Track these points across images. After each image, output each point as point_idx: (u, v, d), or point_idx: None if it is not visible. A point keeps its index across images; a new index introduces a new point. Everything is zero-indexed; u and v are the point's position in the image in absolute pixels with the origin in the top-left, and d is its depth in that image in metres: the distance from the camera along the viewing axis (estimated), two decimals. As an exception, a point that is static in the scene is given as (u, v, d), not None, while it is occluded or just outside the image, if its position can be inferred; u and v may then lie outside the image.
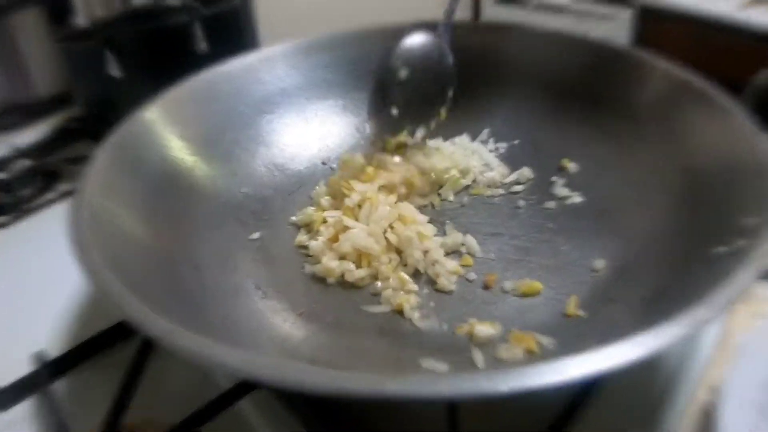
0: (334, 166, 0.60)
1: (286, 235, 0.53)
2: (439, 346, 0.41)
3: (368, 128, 0.58)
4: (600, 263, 0.45)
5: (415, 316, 0.43)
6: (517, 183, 0.56)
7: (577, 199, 0.53)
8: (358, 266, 0.47)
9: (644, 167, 0.49)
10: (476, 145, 0.60)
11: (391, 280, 0.46)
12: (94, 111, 0.77)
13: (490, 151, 0.60)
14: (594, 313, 0.41)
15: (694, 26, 1.43)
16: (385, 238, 0.48)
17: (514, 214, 0.53)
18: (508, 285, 0.45)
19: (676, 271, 0.39)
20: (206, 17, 0.68)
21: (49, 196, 0.73)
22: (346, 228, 0.48)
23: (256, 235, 0.51)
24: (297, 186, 0.58)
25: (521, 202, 0.54)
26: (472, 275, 0.47)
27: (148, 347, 0.41)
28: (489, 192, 0.56)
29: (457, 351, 0.40)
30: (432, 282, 0.46)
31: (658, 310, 0.34)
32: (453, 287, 0.46)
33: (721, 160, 0.42)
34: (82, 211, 0.37)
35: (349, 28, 0.63)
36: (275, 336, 0.41)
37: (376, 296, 0.46)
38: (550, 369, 0.23)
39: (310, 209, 0.53)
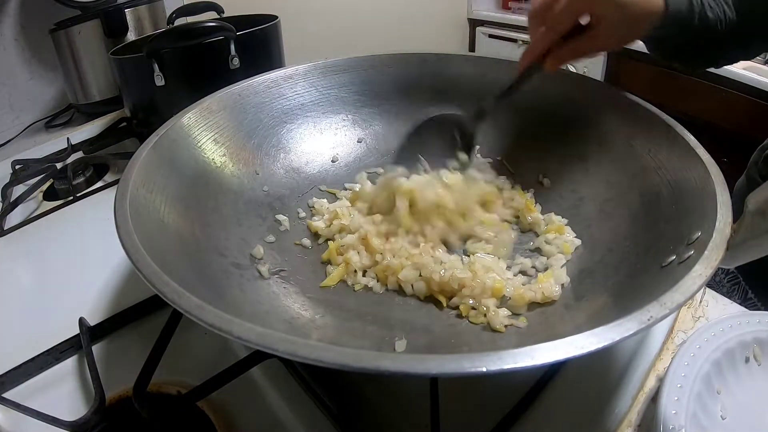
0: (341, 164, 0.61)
1: (298, 229, 0.52)
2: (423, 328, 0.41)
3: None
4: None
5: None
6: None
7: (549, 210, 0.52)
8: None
9: (609, 184, 0.49)
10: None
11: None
12: (139, 114, 0.77)
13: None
14: (563, 307, 0.41)
15: (658, 66, 1.44)
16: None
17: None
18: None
19: (633, 276, 0.38)
20: (239, 37, 0.68)
21: (98, 184, 0.73)
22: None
23: (273, 228, 0.51)
24: (309, 187, 0.57)
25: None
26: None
27: (175, 319, 0.40)
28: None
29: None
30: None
31: (617, 308, 0.34)
32: None
33: (672, 182, 0.42)
34: (126, 200, 0.36)
35: (360, 54, 0.63)
36: (286, 315, 0.41)
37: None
38: (522, 353, 0.23)
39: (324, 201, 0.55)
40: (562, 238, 0.48)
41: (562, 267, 0.45)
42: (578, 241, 0.47)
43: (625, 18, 0.44)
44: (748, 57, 0.54)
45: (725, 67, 1.29)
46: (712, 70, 1.31)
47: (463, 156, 0.53)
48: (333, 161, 0.60)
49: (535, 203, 0.54)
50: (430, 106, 0.63)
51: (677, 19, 0.46)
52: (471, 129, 0.54)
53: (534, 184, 0.56)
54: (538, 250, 0.49)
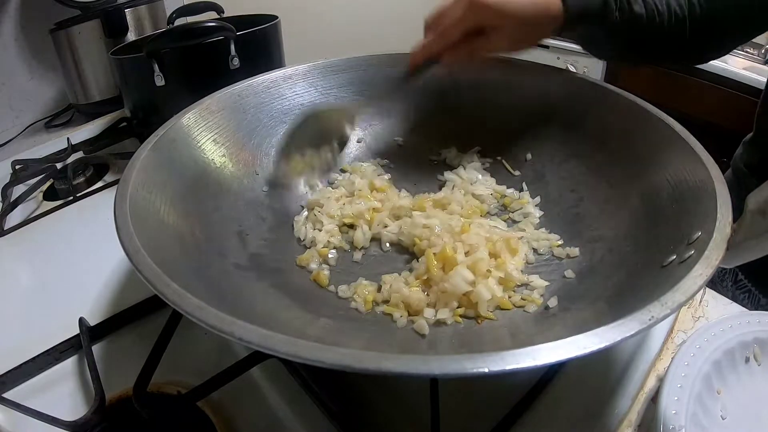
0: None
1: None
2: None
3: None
4: (569, 272, 0.45)
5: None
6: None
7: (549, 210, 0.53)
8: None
9: (609, 184, 0.49)
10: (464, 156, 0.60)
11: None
12: (139, 114, 0.76)
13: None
14: (564, 308, 0.41)
15: (658, 66, 1.43)
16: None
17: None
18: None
19: (633, 275, 0.38)
20: (239, 37, 0.67)
21: (98, 184, 0.73)
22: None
23: (273, 229, 0.51)
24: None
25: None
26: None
27: (175, 320, 0.40)
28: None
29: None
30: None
31: (618, 308, 0.34)
32: None
33: (672, 181, 0.42)
34: (126, 200, 0.36)
35: (360, 54, 0.63)
36: (286, 316, 0.41)
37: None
38: (524, 354, 0.23)
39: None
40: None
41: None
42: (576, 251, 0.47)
43: (519, 25, 0.45)
44: (718, 55, 0.54)
45: (725, 67, 1.30)
46: (713, 70, 1.31)
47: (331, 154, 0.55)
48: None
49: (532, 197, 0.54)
50: (430, 105, 0.63)
51: (589, 18, 0.46)
52: (346, 128, 0.55)
53: (534, 183, 0.56)
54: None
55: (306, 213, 0.54)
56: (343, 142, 0.56)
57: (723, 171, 0.38)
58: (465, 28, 0.46)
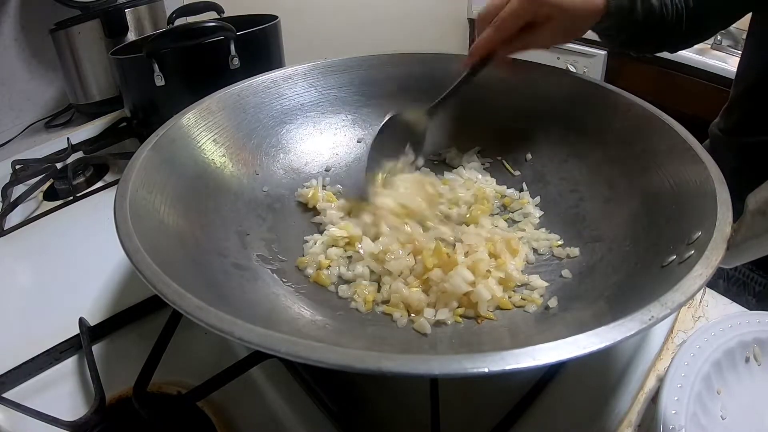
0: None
1: (297, 229, 0.52)
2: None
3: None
4: (566, 272, 0.45)
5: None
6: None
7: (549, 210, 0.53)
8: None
9: (608, 184, 0.49)
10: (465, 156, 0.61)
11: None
12: (139, 114, 0.76)
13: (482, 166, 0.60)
14: (564, 308, 0.41)
15: (658, 66, 1.43)
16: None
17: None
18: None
19: (633, 275, 0.38)
20: (239, 37, 0.67)
21: (98, 184, 0.73)
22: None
23: (273, 229, 0.51)
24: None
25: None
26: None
27: (174, 320, 0.40)
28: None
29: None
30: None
31: (618, 308, 0.34)
32: None
33: (672, 181, 0.42)
34: (126, 200, 0.36)
35: (360, 54, 0.63)
36: (286, 316, 0.41)
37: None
38: (524, 354, 0.23)
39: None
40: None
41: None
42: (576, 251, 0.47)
43: (567, 19, 0.48)
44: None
45: (725, 67, 1.29)
46: (713, 70, 1.31)
47: (408, 157, 0.56)
48: (326, 170, 0.60)
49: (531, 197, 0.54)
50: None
51: (619, 14, 0.50)
52: (422, 128, 0.56)
53: (533, 184, 0.56)
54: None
55: (320, 239, 0.50)
56: (418, 142, 0.57)
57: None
58: (520, 21, 0.48)
